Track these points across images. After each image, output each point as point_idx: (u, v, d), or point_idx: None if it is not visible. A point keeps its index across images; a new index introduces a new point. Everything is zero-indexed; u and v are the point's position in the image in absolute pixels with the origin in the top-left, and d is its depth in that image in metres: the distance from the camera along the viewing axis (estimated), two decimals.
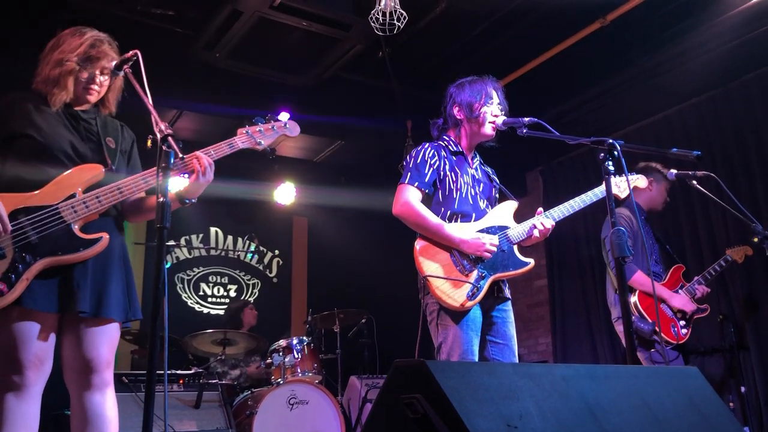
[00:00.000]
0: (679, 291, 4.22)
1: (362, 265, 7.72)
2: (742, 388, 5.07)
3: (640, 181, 3.51)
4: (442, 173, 3.09)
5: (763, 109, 5.38)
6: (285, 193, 7.42)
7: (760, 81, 5.43)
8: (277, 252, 8.28)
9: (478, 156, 3.31)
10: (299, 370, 5.16)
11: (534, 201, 7.49)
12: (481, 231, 3.00)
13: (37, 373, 2.32)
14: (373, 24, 4.34)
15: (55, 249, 2.31)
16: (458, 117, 3.21)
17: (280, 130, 2.81)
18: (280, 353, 5.21)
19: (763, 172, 5.35)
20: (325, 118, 6.43)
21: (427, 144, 3.20)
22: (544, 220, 3.09)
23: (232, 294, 7.81)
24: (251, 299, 7.81)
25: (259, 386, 5.22)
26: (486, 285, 2.91)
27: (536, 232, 3.06)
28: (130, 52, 2.41)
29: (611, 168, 2.67)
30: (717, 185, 3.75)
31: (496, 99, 3.20)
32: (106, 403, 2.42)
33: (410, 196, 3.03)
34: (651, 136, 6.17)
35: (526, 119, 3.01)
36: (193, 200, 2.56)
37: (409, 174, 3.08)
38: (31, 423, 2.32)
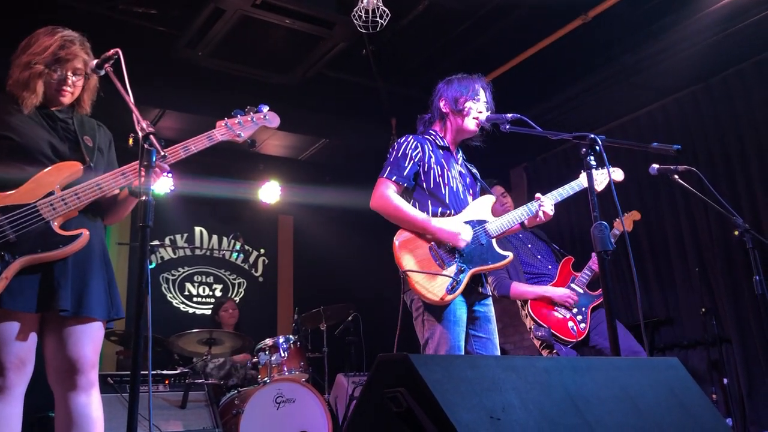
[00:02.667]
0: (571, 284, 4.20)
1: (348, 263, 7.72)
2: (725, 380, 5.13)
3: (616, 173, 3.54)
4: (426, 165, 3.07)
5: (743, 104, 5.44)
6: (270, 192, 7.40)
7: (741, 76, 5.49)
8: (262, 251, 8.26)
9: (461, 152, 3.33)
10: (286, 369, 5.16)
11: (518, 197, 7.52)
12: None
13: (19, 375, 2.30)
14: (356, 22, 4.34)
15: (34, 247, 2.29)
16: (444, 110, 3.22)
17: (260, 121, 2.79)
18: (267, 352, 5.20)
19: (744, 167, 5.41)
20: (309, 116, 6.43)
21: (411, 136, 3.17)
22: (546, 203, 3.16)
23: (218, 294, 7.78)
24: (237, 298, 7.78)
25: (246, 385, 5.21)
26: (465, 278, 2.91)
27: (541, 215, 3.14)
28: (111, 51, 2.39)
29: (593, 163, 2.69)
30: (698, 179, 3.77)
31: (482, 97, 3.20)
32: (92, 403, 2.41)
33: (387, 189, 3.03)
34: (633, 132, 6.22)
35: (509, 115, 3.02)
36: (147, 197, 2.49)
37: (388, 168, 3.09)
38: (13, 425, 2.30)
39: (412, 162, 3.07)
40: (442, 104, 3.23)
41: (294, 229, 8.52)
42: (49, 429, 4.34)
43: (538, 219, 3.17)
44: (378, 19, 4.27)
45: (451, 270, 2.90)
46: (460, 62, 5.68)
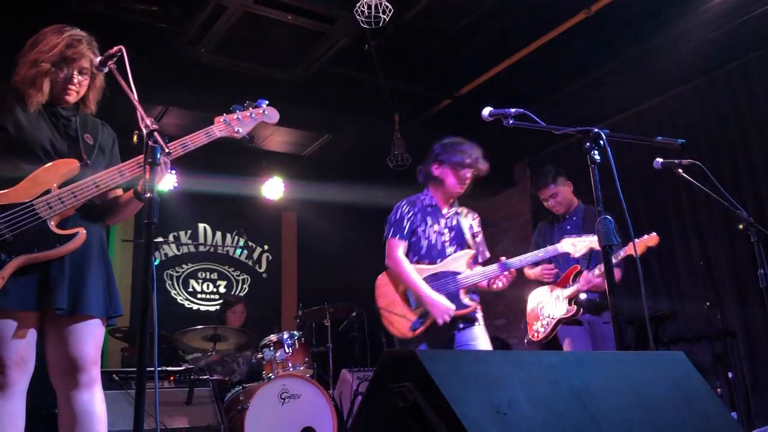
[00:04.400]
0: (556, 290, 4.25)
1: (352, 258, 7.72)
2: (730, 374, 5.12)
3: (595, 243, 3.66)
4: (414, 224, 3.63)
5: (747, 98, 5.43)
6: (273, 188, 7.40)
7: (744, 70, 5.48)
8: (266, 247, 8.27)
9: (456, 206, 3.77)
10: (290, 365, 5.16)
11: (522, 192, 7.53)
12: (434, 274, 3.52)
13: (20, 372, 2.31)
14: (358, 17, 4.33)
15: (30, 246, 2.28)
16: (435, 174, 3.68)
17: (259, 117, 2.77)
18: (271, 348, 5.21)
19: (748, 160, 5.40)
20: (312, 112, 6.42)
21: (404, 200, 3.73)
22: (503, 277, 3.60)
23: (222, 290, 7.80)
24: (241, 294, 7.80)
25: (251, 381, 5.22)
26: (427, 322, 3.42)
27: (500, 284, 3.61)
28: (115, 48, 2.38)
29: (597, 157, 2.68)
30: (702, 173, 3.77)
31: (476, 164, 3.63)
32: (94, 400, 2.41)
33: (398, 251, 3.59)
34: (637, 126, 6.21)
35: (512, 110, 3.01)
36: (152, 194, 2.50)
37: (392, 229, 3.65)
38: (17, 422, 2.31)
39: (408, 222, 3.63)
40: (434, 168, 3.69)
41: (297, 225, 8.53)
42: (53, 426, 4.36)
43: (496, 286, 3.62)
44: (380, 14, 4.26)
45: (417, 313, 3.47)
46: (462, 57, 5.69)
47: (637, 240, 4.25)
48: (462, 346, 3.49)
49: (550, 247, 3.70)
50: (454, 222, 3.71)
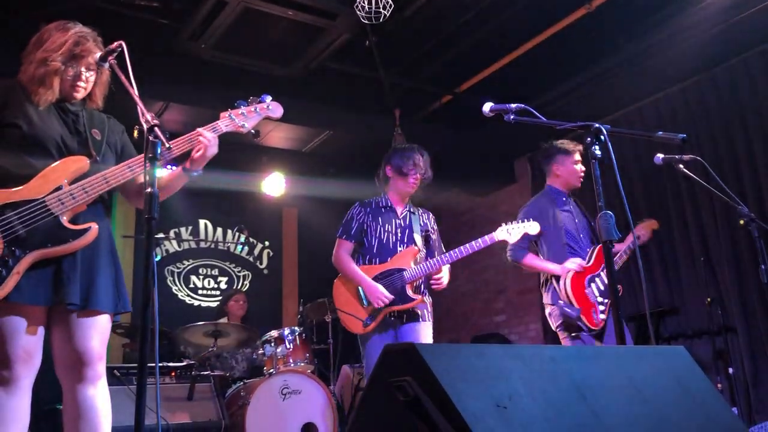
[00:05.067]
0: (601, 273, 4.05)
1: None
2: (730, 370, 5.12)
3: (532, 228, 3.91)
4: (365, 225, 3.99)
5: (748, 93, 5.42)
6: (274, 184, 7.40)
7: (746, 65, 5.47)
8: (267, 243, 8.27)
9: (410, 206, 4.09)
10: (291, 361, 5.17)
11: (523, 188, 7.52)
12: (383, 272, 3.85)
13: (26, 367, 2.32)
14: (359, 12, 4.33)
15: (44, 241, 2.31)
16: (388, 175, 4.06)
17: (263, 112, 2.79)
18: (272, 344, 5.21)
19: (749, 156, 5.39)
20: (313, 108, 6.42)
21: (357, 203, 4.11)
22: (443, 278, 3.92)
23: (223, 286, 7.80)
24: (243, 289, 7.80)
25: (252, 377, 5.23)
26: (380, 316, 3.80)
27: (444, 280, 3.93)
28: (115, 44, 2.40)
29: (598, 152, 2.69)
30: (703, 169, 3.77)
31: (420, 165, 3.99)
32: (99, 396, 2.42)
33: (341, 249, 4.00)
34: (638, 121, 6.20)
35: (513, 105, 3.02)
36: (200, 171, 2.60)
37: (340, 229, 4.05)
38: (22, 416, 2.33)
39: (357, 223, 4.02)
40: (387, 170, 4.07)
41: (298, 221, 8.53)
42: (57, 421, 4.37)
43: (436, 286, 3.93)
44: (381, 9, 4.26)
45: (368, 310, 3.83)
46: (462, 53, 5.68)
47: (640, 224, 4.25)
48: (403, 340, 3.82)
49: (486, 237, 3.86)
50: (407, 221, 4.03)
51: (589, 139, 2.70)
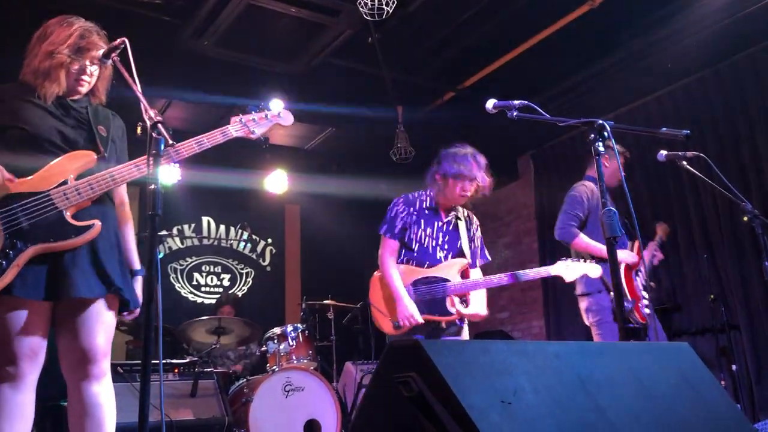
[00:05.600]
0: (640, 270, 4.05)
1: (355, 251, 7.71)
2: (734, 367, 5.12)
3: (593, 270, 3.64)
4: (407, 224, 3.69)
5: (752, 89, 5.41)
6: (277, 182, 7.41)
7: (750, 61, 5.45)
8: (269, 240, 8.28)
9: (455, 211, 3.77)
10: (294, 357, 5.18)
11: (525, 185, 7.51)
12: (426, 278, 3.61)
13: (31, 364, 2.32)
14: (361, 9, 4.33)
15: (46, 236, 2.30)
16: (438, 182, 3.68)
17: (274, 119, 2.79)
18: (275, 341, 5.22)
19: (753, 152, 5.38)
20: (315, 105, 6.41)
21: (402, 198, 3.78)
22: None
23: (226, 283, 7.81)
24: (245, 287, 7.81)
25: (255, 374, 5.24)
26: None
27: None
28: (118, 41, 2.39)
29: (601, 149, 2.68)
30: (707, 165, 3.76)
31: (474, 176, 3.61)
32: (104, 393, 2.42)
33: (385, 249, 3.69)
34: (642, 118, 6.19)
35: (516, 102, 3.01)
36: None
37: (384, 227, 3.74)
38: (26, 413, 2.33)
39: (401, 222, 3.70)
40: (438, 176, 3.68)
41: (301, 218, 8.54)
42: (61, 418, 4.38)
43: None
44: (384, 6, 4.25)
45: None
46: (465, 49, 5.67)
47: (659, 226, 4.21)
48: None
49: (542, 269, 3.68)
50: (451, 227, 3.75)
51: (592, 135, 2.69)
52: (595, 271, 3.61)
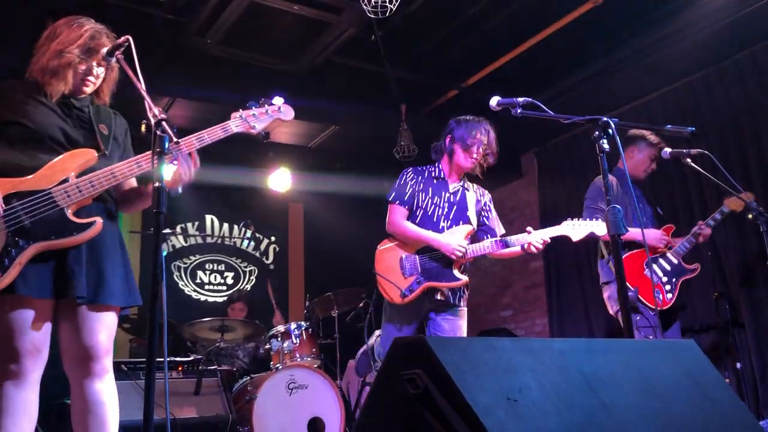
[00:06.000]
0: (667, 253, 4.14)
1: (359, 249, 7.66)
2: (738, 365, 5.11)
3: (599, 228, 3.60)
4: (416, 192, 3.78)
5: (756, 87, 5.39)
6: (280, 180, 7.40)
7: (753, 59, 5.44)
8: (273, 238, 8.28)
9: (464, 182, 3.86)
10: (298, 355, 5.19)
11: (529, 183, 7.51)
12: (428, 246, 3.65)
13: (35, 361, 2.32)
14: (365, 7, 4.32)
15: (48, 233, 2.30)
16: (447, 145, 3.82)
17: (274, 114, 2.79)
18: (279, 338, 5.22)
19: (756, 150, 5.36)
20: (318, 103, 6.40)
21: (411, 168, 3.89)
22: (534, 237, 3.58)
23: (229, 281, 7.82)
24: (248, 285, 7.82)
25: (258, 372, 5.24)
26: (418, 290, 3.61)
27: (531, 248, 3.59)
28: (122, 39, 2.40)
29: (606, 146, 2.68)
30: (711, 163, 3.75)
31: (485, 142, 3.74)
32: (107, 390, 2.43)
33: (396, 215, 3.75)
34: (645, 115, 6.17)
35: (521, 99, 3.01)
36: (179, 191, 2.50)
37: (393, 194, 3.81)
38: (30, 410, 2.33)
39: (411, 189, 3.79)
40: (447, 141, 3.81)
41: (304, 217, 8.54)
42: (65, 416, 4.39)
43: (515, 252, 3.65)
44: (387, 4, 4.24)
45: (409, 281, 3.64)
46: (469, 47, 5.66)
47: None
48: (434, 331, 3.67)
49: (551, 228, 3.64)
50: (458, 197, 3.80)
51: (597, 132, 2.69)
52: (601, 228, 3.58)
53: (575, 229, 3.61)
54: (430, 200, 3.76)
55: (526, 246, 3.58)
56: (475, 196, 3.87)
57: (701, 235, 4.18)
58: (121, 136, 2.65)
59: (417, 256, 3.67)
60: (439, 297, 3.65)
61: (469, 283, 3.76)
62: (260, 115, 2.73)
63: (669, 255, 4.13)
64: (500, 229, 3.87)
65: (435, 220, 3.72)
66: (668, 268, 4.09)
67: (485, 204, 3.90)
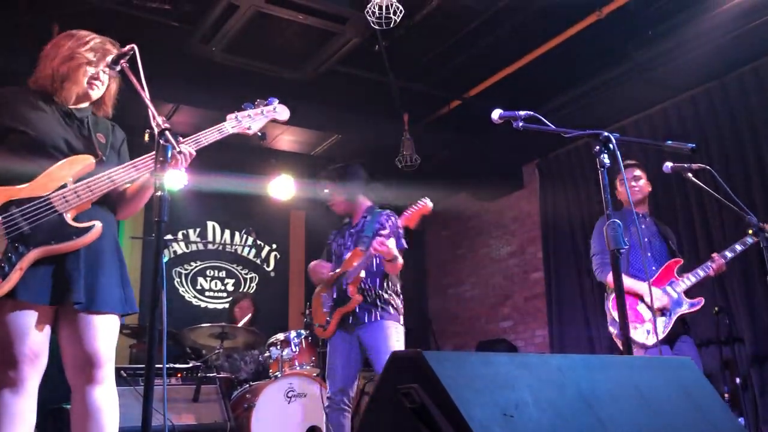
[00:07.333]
0: (666, 287, 4.07)
1: None
2: (737, 380, 5.10)
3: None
4: (332, 246, 4.31)
5: (758, 102, 5.40)
6: (282, 187, 7.41)
7: (756, 74, 5.45)
8: (274, 246, 8.28)
9: (368, 214, 4.19)
10: (297, 364, 5.18)
11: (530, 194, 7.51)
12: (336, 279, 4.03)
13: (33, 368, 2.32)
14: (369, 17, 4.34)
15: (48, 238, 2.31)
16: None
17: (269, 114, 2.81)
18: (278, 347, 5.22)
19: (759, 164, 5.37)
20: (321, 111, 6.43)
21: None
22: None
23: (230, 288, 7.82)
24: (250, 291, 7.82)
25: (257, 379, 5.24)
26: (332, 321, 3.97)
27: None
28: (127, 47, 2.42)
29: (606, 161, 2.69)
30: (712, 178, 3.75)
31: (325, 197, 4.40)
32: (107, 396, 2.42)
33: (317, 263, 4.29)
34: (647, 129, 6.18)
35: (522, 113, 3.02)
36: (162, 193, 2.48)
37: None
38: (28, 417, 2.32)
39: (327, 247, 4.44)
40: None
41: (306, 225, 8.54)
42: (64, 421, 4.39)
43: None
44: (391, 15, 4.26)
45: (325, 315, 4.05)
46: (472, 58, 5.68)
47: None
48: (363, 341, 3.92)
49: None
50: (359, 227, 4.16)
51: (597, 147, 2.70)
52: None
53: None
54: (336, 244, 4.31)
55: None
56: (375, 221, 4.13)
57: (713, 268, 4.09)
58: (117, 146, 2.65)
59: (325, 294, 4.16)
60: (354, 321, 3.93)
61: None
62: (255, 115, 2.75)
63: (668, 289, 4.05)
64: (401, 245, 4.00)
65: (340, 256, 4.20)
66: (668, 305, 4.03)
67: (386, 224, 4.11)
